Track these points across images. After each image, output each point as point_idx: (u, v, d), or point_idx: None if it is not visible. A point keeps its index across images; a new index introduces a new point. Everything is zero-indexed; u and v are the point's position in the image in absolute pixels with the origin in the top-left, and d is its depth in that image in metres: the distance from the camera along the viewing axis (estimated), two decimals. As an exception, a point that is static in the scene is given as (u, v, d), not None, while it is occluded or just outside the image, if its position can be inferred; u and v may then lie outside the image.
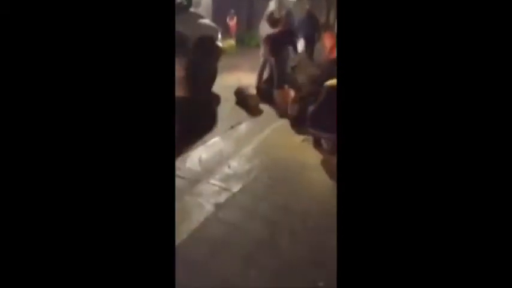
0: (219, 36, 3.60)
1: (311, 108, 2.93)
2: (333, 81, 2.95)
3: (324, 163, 2.59)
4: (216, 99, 3.48)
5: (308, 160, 2.60)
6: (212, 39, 3.26)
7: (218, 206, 1.89)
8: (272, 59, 4.40)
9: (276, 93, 3.98)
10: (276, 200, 2.01)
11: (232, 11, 9.19)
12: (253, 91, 4.12)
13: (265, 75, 4.50)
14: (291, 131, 3.20)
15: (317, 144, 2.90)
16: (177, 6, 2.96)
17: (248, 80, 4.61)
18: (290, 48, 4.52)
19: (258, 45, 8.72)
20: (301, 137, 3.01)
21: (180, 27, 2.87)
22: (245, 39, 9.19)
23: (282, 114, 3.59)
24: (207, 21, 3.47)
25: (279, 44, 4.43)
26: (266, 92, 4.04)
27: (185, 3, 3.17)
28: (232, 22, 9.24)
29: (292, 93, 3.88)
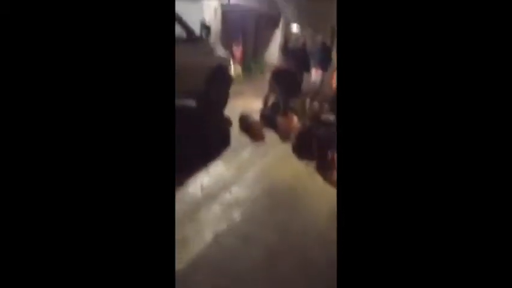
0: (231, 64, 3.98)
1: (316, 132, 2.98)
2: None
3: (326, 188, 2.60)
4: (228, 121, 3.83)
5: (310, 186, 2.63)
6: (225, 68, 3.64)
7: (219, 233, 1.91)
8: (278, 87, 4.56)
9: (280, 119, 4.08)
10: (277, 227, 2.02)
11: (239, 38, 9.56)
12: (256, 117, 4.23)
13: (271, 101, 4.67)
14: (294, 157, 3.25)
15: (320, 168, 2.93)
16: (194, 38, 3.31)
17: (252, 106, 4.73)
18: (299, 77, 4.69)
19: (263, 73, 8.99)
20: (304, 162, 3.05)
21: (197, 56, 3.29)
22: (251, 66, 9.46)
23: (285, 139, 3.66)
24: (221, 51, 3.87)
25: (288, 72, 4.60)
26: (269, 118, 4.14)
27: (203, 36, 3.53)
28: (238, 50, 9.57)
29: (295, 119, 3.96)
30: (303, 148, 3.30)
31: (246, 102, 5.02)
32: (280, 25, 11.63)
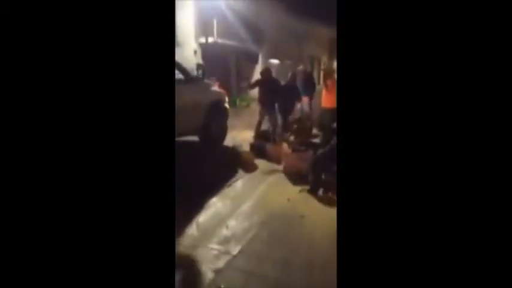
0: (226, 99, 4.36)
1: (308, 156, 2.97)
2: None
3: (322, 213, 2.52)
4: (229, 150, 4.03)
5: (307, 211, 2.54)
6: (221, 102, 4.04)
7: (218, 271, 1.79)
8: (268, 117, 4.68)
9: (270, 147, 4.06)
10: (277, 258, 1.91)
11: (213, 78, 9.77)
12: (246, 147, 4.21)
13: (261, 130, 4.80)
14: (288, 183, 3.19)
15: (313, 192, 2.86)
16: (193, 78, 3.76)
17: (241, 137, 4.73)
18: (287, 105, 4.85)
19: (248, 106, 9.16)
20: (298, 188, 2.98)
21: (195, 94, 3.64)
22: (236, 100, 9.66)
23: (277, 167, 3.61)
24: (216, 88, 4.25)
25: (273, 102, 4.77)
26: (259, 147, 4.12)
27: (200, 76, 4.01)
28: (221, 86, 9.76)
29: (285, 146, 3.96)
30: (295, 173, 3.26)
31: (235, 135, 5.04)
32: (260, 60, 12.12)
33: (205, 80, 4.11)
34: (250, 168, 3.61)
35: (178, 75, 3.66)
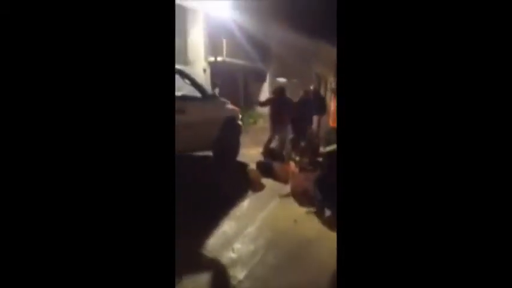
0: (240, 116, 4.59)
1: (315, 176, 2.92)
2: (333, 146, 3.02)
3: (329, 234, 2.45)
4: (241, 166, 4.13)
5: (313, 233, 2.47)
6: (235, 119, 4.25)
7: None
8: (279, 135, 4.68)
9: (277, 166, 4.02)
10: (283, 281, 1.84)
11: (230, 93, 9.97)
12: (253, 166, 4.18)
13: (273, 146, 4.85)
14: (294, 204, 3.12)
15: (319, 213, 2.79)
16: (209, 95, 3.99)
17: (250, 155, 4.73)
18: (301, 124, 4.92)
19: (255, 123, 9.19)
20: (305, 209, 2.92)
21: (211, 111, 3.89)
22: (244, 118, 9.72)
23: (284, 186, 3.56)
24: (230, 105, 4.42)
25: (285, 121, 4.82)
26: (266, 166, 4.08)
27: (216, 93, 4.32)
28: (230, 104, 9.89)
29: (292, 165, 3.91)
30: (302, 193, 3.20)
31: (244, 152, 5.02)
32: (268, 79, 12.27)
33: (221, 98, 4.31)
34: (257, 187, 3.57)
35: (195, 92, 3.86)
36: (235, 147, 4.37)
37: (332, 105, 5.01)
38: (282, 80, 12.99)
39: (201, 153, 4.15)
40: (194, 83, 3.83)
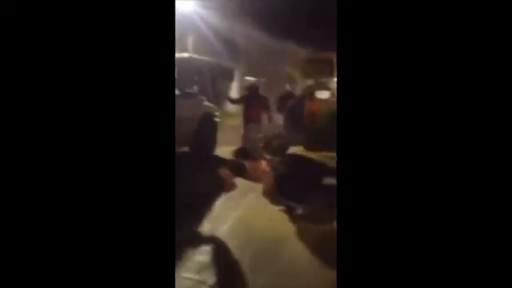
0: (217, 113, 4.67)
1: (279, 177, 2.86)
2: (298, 149, 2.98)
3: (303, 232, 2.43)
4: (217, 160, 4.18)
5: (288, 232, 2.44)
6: (212, 116, 4.39)
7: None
8: (245, 131, 4.58)
9: (249, 165, 3.95)
10: (259, 285, 1.78)
11: (197, 90, 9.74)
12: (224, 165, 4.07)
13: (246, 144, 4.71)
14: (267, 203, 3.06)
15: (291, 212, 2.77)
16: (188, 93, 4.13)
17: (220, 152, 4.62)
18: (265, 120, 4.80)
19: (222, 121, 9.02)
20: (278, 208, 2.87)
21: (191, 108, 3.99)
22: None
23: (256, 185, 3.49)
24: (207, 102, 4.52)
25: (259, 119, 4.80)
26: (238, 165, 3.99)
27: (196, 91, 4.44)
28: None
29: (264, 164, 3.87)
30: (275, 192, 3.14)
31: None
32: (236, 77, 12.17)
33: (199, 95, 4.46)
34: (228, 187, 3.47)
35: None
36: (212, 143, 4.46)
37: (309, 105, 4.94)
38: (251, 79, 12.96)
39: (179, 149, 4.11)
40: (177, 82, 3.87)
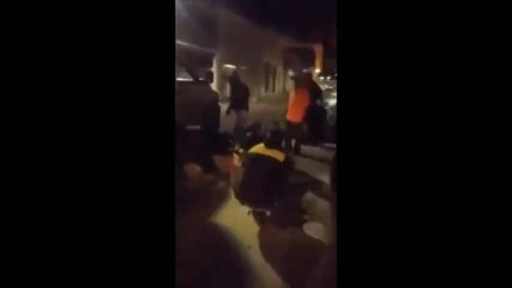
0: (219, 98, 5.33)
1: (240, 179, 2.63)
2: (257, 147, 2.74)
3: (273, 237, 2.25)
4: (224, 137, 4.64)
5: (256, 237, 2.25)
6: (216, 100, 5.04)
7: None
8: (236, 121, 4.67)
9: (218, 159, 3.71)
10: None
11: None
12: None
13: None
14: (236, 203, 2.83)
15: (259, 215, 2.56)
16: (201, 80, 4.78)
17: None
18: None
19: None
20: (247, 209, 2.64)
21: (202, 94, 4.70)
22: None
23: (225, 181, 3.27)
24: (214, 89, 5.24)
25: (242, 105, 4.78)
26: (206, 159, 3.73)
27: (208, 80, 5.03)
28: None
29: (236, 157, 3.63)
30: (245, 192, 2.81)
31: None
32: (214, 63, 11.76)
33: (208, 83, 5.10)
34: (195, 183, 3.22)
35: (189, 77, 4.57)
36: (217, 123, 5.08)
37: (292, 97, 4.66)
38: (230, 66, 12.58)
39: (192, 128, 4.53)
40: (190, 70, 4.62)
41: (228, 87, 5.28)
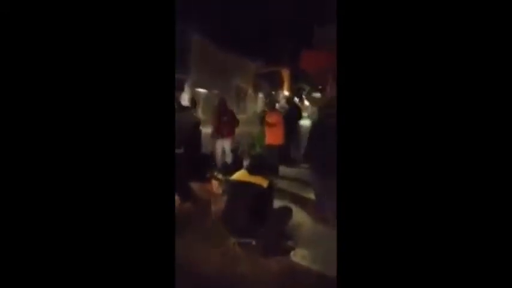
0: (200, 122, 5.35)
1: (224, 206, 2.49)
2: (240, 174, 2.64)
3: (258, 269, 2.13)
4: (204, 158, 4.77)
5: (242, 268, 2.12)
6: (198, 125, 4.93)
7: None
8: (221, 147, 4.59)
9: (196, 187, 3.55)
10: None
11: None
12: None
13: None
14: (220, 233, 2.68)
15: (243, 245, 2.42)
16: (185, 107, 4.82)
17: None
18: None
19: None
20: (232, 240, 2.50)
21: (186, 119, 4.47)
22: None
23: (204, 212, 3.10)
24: (195, 115, 5.32)
25: (228, 132, 4.74)
26: (183, 188, 3.53)
27: (190, 106, 5.21)
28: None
29: (215, 184, 3.50)
30: (228, 223, 2.55)
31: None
32: (186, 88, 11.69)
33: (191, 109, 5.24)
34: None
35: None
36: (198, 147, 5.09)
37: (267, 120, 4.62)
38: (202, 90, 12.56)
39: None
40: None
41: (213, 114, 5.12)
